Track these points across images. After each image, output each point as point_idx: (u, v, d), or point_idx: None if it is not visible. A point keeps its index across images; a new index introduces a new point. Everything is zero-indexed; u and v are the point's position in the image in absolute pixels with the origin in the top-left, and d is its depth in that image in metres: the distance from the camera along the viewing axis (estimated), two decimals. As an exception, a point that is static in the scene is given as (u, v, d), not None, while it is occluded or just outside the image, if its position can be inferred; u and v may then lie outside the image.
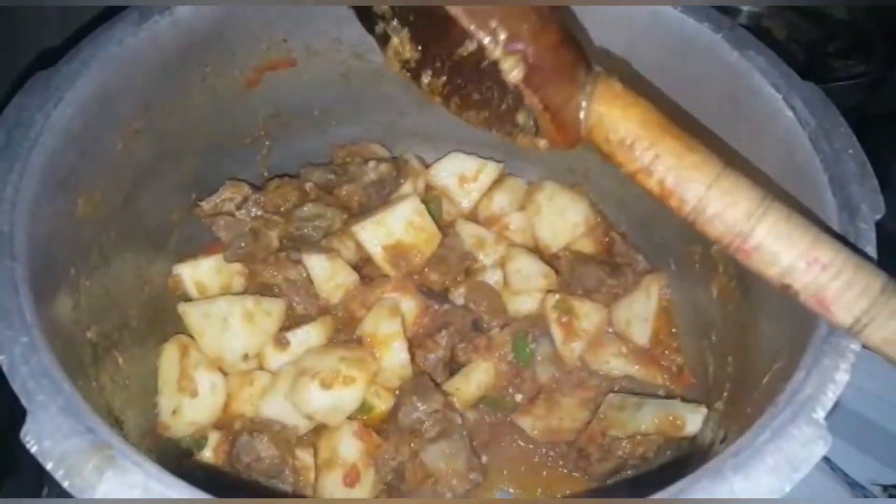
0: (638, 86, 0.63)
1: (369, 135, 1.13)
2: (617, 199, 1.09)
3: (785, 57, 0.78)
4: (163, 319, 0.95)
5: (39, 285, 0.64)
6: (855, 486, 1.04)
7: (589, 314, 1.00)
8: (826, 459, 1.05)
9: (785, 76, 0.76)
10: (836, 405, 1.10)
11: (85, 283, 0.77)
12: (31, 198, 0.68)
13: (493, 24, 0.60)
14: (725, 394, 0.84)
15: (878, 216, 0.67)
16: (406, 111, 1.10)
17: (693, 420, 0.87)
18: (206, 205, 1.00)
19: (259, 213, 1.01)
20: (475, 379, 0.97)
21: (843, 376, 0.58)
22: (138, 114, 0.84)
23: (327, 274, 0.99)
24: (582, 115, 0.63)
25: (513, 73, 0.61)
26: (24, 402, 0.55)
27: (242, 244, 0.98)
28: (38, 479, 0.94)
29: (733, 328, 0.87)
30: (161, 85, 0.86)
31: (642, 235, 1.08)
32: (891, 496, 1.05)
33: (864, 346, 0.57)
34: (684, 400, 0.92)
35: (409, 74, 0.71)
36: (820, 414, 0.56)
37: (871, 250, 0.64)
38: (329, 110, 1.08)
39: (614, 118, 0.61)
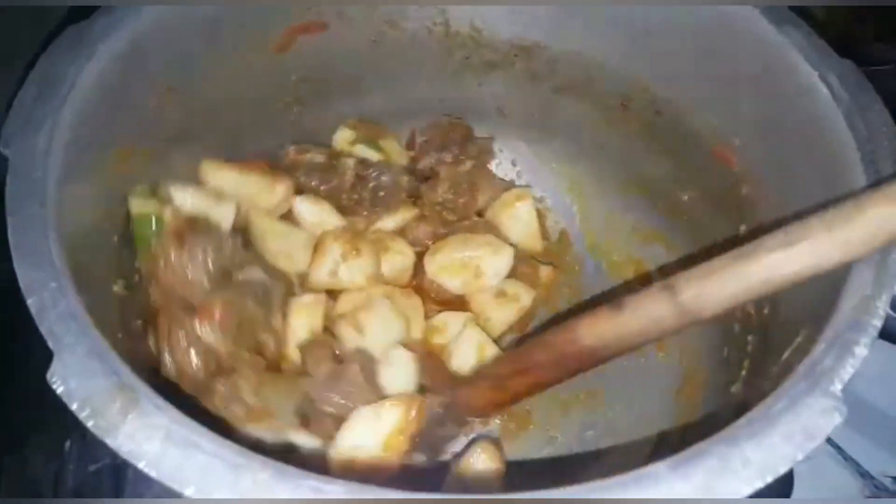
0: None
1: (399, 103, 1.13)
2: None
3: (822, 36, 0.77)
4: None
5: (68, 234, 0.65)
6: (867, 477, 1.04)
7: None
8: (839, 450, 1.05)
9: (821, 52, 0.75)
10: (849, 396, 1.10)
11: (113, 239, 0.79)
12: (63, 148, 0.69)
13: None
14: (744, 372, 0.83)
15: (909, 193, 0.66)
16: (436, 81, 1.10)
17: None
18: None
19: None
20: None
21: (862, 350, 0.57)
22: (171, 72, 0.85)
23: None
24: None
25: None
26: (50, 344, 0.56)
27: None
28: (63, 431, 0.97)
29: (755, 309, 0.86)
30: (195, 44, 0.86)
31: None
32: (902, 486, 1.05)
33: None
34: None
35: None
36: (837, 387, 0.55)
37: (900, 228, 0.63)
38: (360, 77, 1.08)
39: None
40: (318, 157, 1.06)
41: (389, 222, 1.07)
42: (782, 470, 0.52)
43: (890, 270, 0.61)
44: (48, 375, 0.54)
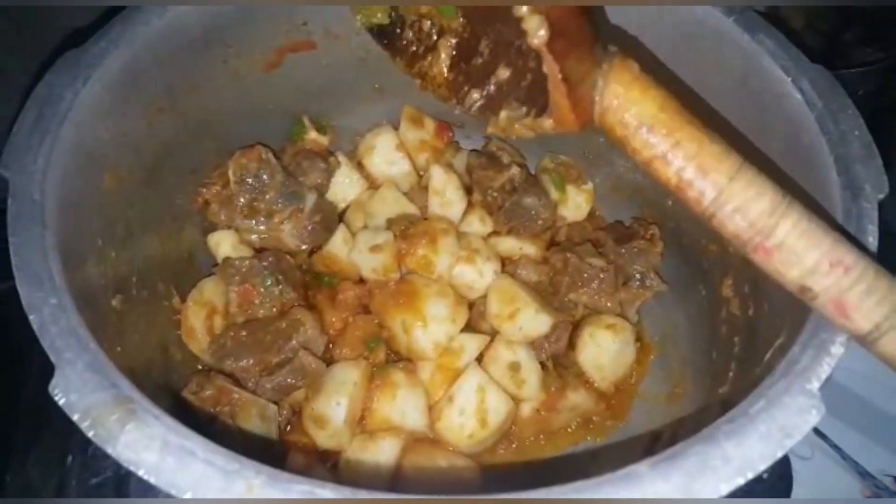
0: (654, 73, 0.60)
1: (390, 117, 1.15)
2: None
3: (800, 44, 0.78)
4: (188, 285, 0.99)
5: (67, 253, 0.68)
6: (866, 476, 1.04)
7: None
8: (837, 449, 1.06)
9: (794, 59, 0.77)
10: (849, 395, 1.11)
11: (111, 254, 0.81)
12: (61, 170, 0.71)
13: None
14: (731, 374, 0.85)
15: (882, 196, 0.68)
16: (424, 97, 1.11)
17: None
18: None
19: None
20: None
21: (838, 349, 0.59)
22: (163, 93, 0.88)
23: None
24: (597, 94, 0.59)
25: (538, 33, 0.55)
26: (52, 358, 0.58)
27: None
28: (64, 446, 0.99)
29: (741, 311, 0.88)
30: (185, 65, 0.89)
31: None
32: (901, 485, 1.06)
33: (879, 357, 0.55)
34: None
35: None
36: (814, 385, 0.57)
37: (873, 229, 0.66)
38: (349, 93, 1.10)
39: (632, 100, 0.57)
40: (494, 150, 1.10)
41: (518, 246, 1.07)
42: (761, 467, 0.54)
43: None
44: (50, 388, 0.57)
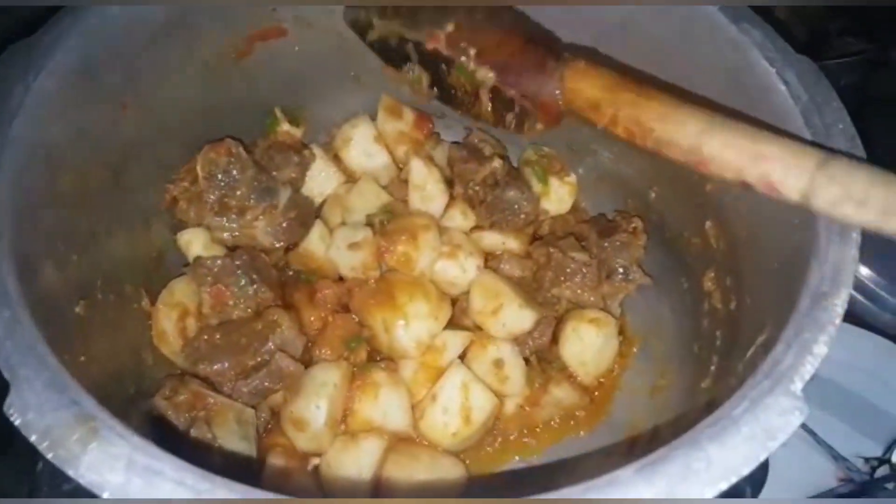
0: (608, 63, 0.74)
1: (367, 108, 1.12)
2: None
3: (785, 34, 0.77)
4: (158, 286, 0.96)
5: (24, 260, 0.65)
6: (839, 459, 1.06)
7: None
8: (812, 433, 1.07)
9: (780, 50, 0.76)
10: (823, 380, 1.12)
11: (72, 258, 0.77)
12: (14, 171, 0.68)
13: (464, 45, 0.82)
14: (713, 368, 0.84)
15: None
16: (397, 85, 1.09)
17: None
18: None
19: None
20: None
21: (821, 349, 0.58)
22: (126, 87, 0.84)
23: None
24: (558, 93, 0.78)
25: (487, 77, 0.82)
26: (7, 376, 0.55)
27: None
28: (34, 452, 0.96)
29: (723, 304, 0.88)
30: (149, 56, 0.85)
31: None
32: (873, 468, 1.07)
33: (820, 213, 0.63)
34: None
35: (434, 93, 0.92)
36: (798, 385, 0.56)
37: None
38: (324, 82, 1.07)
39: (582, 89, 0.76)
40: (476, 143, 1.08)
41: (501, 240, 1.05)
42: (745, 471, 0.53)
43: (846, 269, 0.62)
44: (5, 407, 0.54)
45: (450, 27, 0.83)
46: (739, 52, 0.77)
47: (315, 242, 1.02)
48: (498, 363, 0.95)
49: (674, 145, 0.68)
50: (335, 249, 0.99)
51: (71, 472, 0.51)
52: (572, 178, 1.09)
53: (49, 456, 0.52)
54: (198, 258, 0.96)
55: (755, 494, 1.03)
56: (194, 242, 0.98)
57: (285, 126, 1.07)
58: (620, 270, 1.00)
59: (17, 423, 0.53)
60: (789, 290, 0.64)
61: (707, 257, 0.90)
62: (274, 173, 1.01)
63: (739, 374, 0.70)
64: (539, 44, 0.81)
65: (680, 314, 0.98)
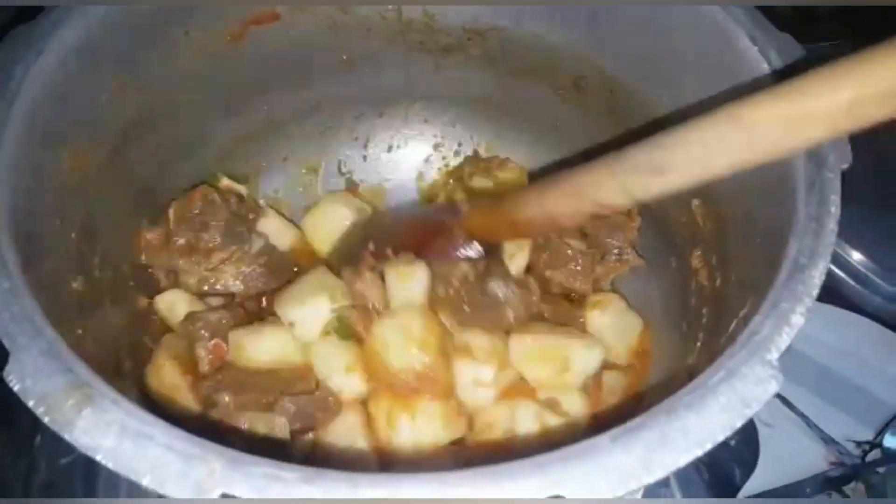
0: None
1: (360, 92, 1.13)
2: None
3: (769, 14, 0.77)
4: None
5: (22, 235, 0.66)
6: (829, 443, 1.07)
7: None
8: (803, 417, 1.09)
9: (762, 28, 0.77)
10: (815, 364, 1.13)
11: (71, 235, 0.79)
12: (14, 148, 0.69)
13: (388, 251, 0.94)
14: (698, 344, 0.86)
15: (845, 166, 0.68)
16: (392, 68, 1.10)
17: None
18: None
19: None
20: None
21: (798, 319, 0.59)
22: (123, 68, 0.85)
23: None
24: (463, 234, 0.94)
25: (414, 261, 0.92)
26: (6, 344, 0.57)
27: None
28: (33, 427, 0.98)
29: (709, 282, 0.89)
30: (146, 38, 0.86)
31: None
32: (864, 452, 1.08)
33: (647, 200, 0.69)
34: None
35: None
36: (774, 355, 0.57)
37: (836, 199, 0.66)
38: (318, 65, 1.08)
39: (475, 228, 0.93)
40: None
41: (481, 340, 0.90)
42: (720, 438, 0.54)
43: (825, 241, 0.63)
44: (5, 374, 0.55)
45: (371, 246, 0.95)
46: (723, 30, 0.78)
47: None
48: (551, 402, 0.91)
49: (536, 223, 0.78)
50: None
51: (66, 436, 0.53)
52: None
53: (46, 420, 0.53)
54: (190, 314, 0.91)
55: (746, 477, 1.05)
56: (178, 303, 0.94)
57: (225, 181, 1.05)
58: (615, 252, 1.02)
59: (15, 388, 0.54)
60: (770, 265, 0.65)
61: (694, 236, 0.92)
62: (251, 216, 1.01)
63: (722, 348, 0.72)
64: (445, 232, 0.95)
65: (669, 294, 1.00)
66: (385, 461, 0.87)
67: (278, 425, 0.82)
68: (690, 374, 0.63)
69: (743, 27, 0.76)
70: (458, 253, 0.93)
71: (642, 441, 0.53)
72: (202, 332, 0.88)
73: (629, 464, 0.52)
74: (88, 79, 0.81)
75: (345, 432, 0.88)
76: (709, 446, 0.54)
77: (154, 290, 0.97)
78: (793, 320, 0.59)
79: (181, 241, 0.94)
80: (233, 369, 0.87)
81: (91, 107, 0.82)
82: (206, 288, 0.96)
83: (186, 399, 0.86)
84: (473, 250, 0.93)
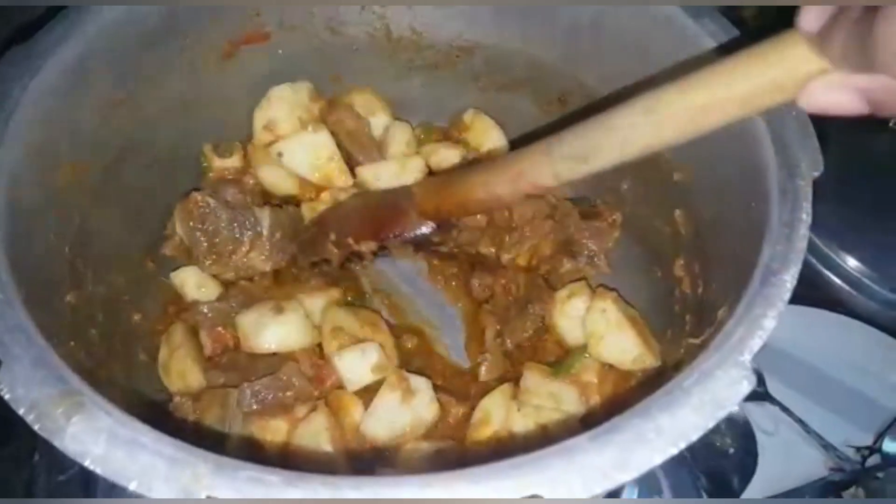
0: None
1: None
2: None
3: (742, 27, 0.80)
4: (149, 284, 1.00)
5: (17, 249, 0.68)
6: (829, 448, 1.07)
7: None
8: (801, 423, 1.08)
9: (736, 40, 0.79)
10: (813, 370, 1.12)
11: (65, 250, 0.81)
12: (10, 164, 0.71)
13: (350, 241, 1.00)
14: (682, 351, 0.87)
15: (817, 174, 0.70)
16: (380, 85, 1.12)
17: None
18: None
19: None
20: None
21: (770, 323, 0.61)
22: (118, 85, 0.87)
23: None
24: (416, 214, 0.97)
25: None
26: (-1, 354, 0.59)
27: None
28: (31, 444, 0.99)
29: (691, 290, 0.91)
30: (141, 56, 0.89)
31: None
32: (863, 457, 1.08)
33: (567, 182, 0.75)
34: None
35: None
36: (746, 357, 0.59)
37: (807, 206, 0.68)
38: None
39: (428, 204, 0.96)
40: None
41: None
42: (694, 437, 0.55)
43: (796, 246, 0.65)
44: (-4, 383, 0.57)
45: (332, 236, 1.01)
46: (698, 46, 0.80)
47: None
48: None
49: (482, 201, 0.84)
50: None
51: (56, 443, 0.54)
52: None
53: (36, 427, 0.54)
54: (194, 302, 0.99)
55: (744, 484, 1.05)
56: (188, 282, 1.01)
57: (217, 162, 1.07)
58: (588, 254, 1.04)
59: (6, 397, 0.56)
60: (746, 270, 0.66)
61: (677, 244, 0.93)
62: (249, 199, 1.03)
63: (696, 352, 0.73)
64: (398, 212, 0.99)
65: (654, 303, 1.01)
66: (355, 461, 0.90)
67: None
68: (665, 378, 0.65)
69: (715, 38, 0.79)
70: (413, 232, 0.98)
71: (617, 442, 0.54)
72: (204, 321, 0.97)
73: (604, 463, 0.53)
74: (83, 97, 0.83)
75: (310, 437, 0.90)
76: (682, 444, 0.55)
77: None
78: (765, 324, 0.61)
79: (202, 249, 0.98)
80: (234, 353, 0.95)
81: (86, 125, 0.84)
82: (242, 275, 1.02)
83: (196, 377, 0.94)
84: (427, 227, 0.97)
